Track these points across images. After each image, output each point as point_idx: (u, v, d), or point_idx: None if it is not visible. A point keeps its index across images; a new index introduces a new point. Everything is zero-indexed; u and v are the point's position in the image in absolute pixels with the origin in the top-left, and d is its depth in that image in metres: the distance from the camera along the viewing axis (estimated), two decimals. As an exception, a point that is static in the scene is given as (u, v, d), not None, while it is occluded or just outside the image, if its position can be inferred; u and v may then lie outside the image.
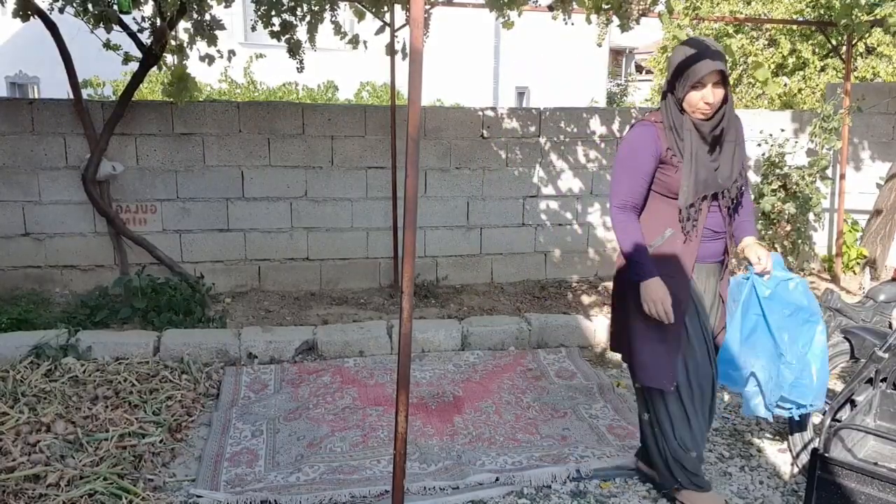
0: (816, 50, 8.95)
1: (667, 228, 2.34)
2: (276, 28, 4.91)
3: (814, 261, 6.13)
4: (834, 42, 5.64)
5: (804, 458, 2.77)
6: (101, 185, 4.70)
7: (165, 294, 4.38)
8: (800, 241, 5.45)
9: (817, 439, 2.23)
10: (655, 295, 2.28)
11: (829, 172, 5.70)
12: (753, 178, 5.86)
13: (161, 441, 2.96)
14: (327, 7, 4.87)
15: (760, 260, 2.38)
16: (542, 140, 5.47)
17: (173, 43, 4.71)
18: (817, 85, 9.49)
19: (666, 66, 2.33)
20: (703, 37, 2.46)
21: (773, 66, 9.75)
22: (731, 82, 10.30)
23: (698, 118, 2.29)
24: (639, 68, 23.14)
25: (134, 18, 4.60)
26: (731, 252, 2.49)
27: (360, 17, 5.07)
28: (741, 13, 9.56)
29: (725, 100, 2.29)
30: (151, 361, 3.72)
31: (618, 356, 4.18)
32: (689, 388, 2.41)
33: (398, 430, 2.21)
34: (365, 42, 5.02)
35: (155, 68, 4.89)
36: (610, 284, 5.50)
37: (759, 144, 5.74)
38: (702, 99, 2.23)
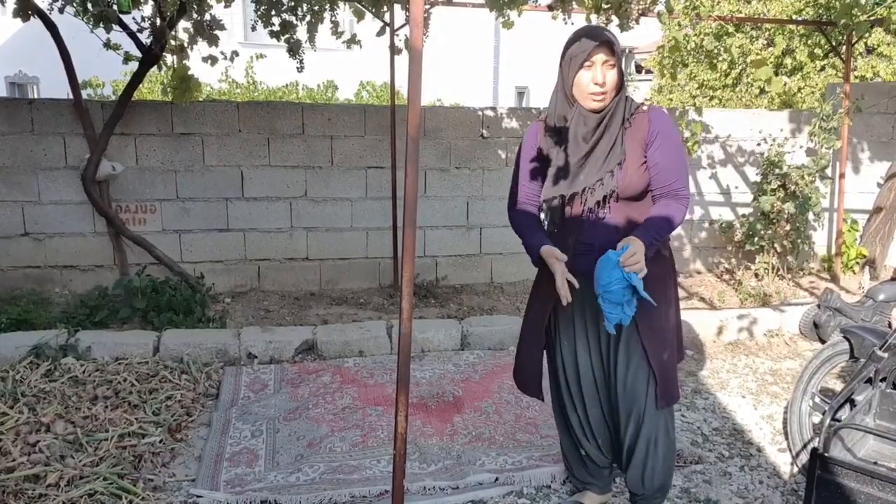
0: (815, 51, 8.94)
1: (548, 225, 2.26)
2: (276, 28, 4.91)
3: (813, 260, 6.13)
4: (833, 42, 5.64)
5: (804, 457, 2.78)
6: (100, 185, 4.70)
7: (165, 294, 4.38)
8: (799, 240, 5.46)
9: (817, 439, 2.23)
10: (549, 260, 2.10)
11: (828, 172, 5.70)
12: (753, 177, 5.87)
13: (161, 441, 2.96)
14: (327, 7, 4.87)
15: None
16: (542, 140, 5.46)
17: (173, 43, 4.71)
18: (817, 84, 9.49)
19: (560, 57, 2.12)
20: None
21: (771, 66, 9.74)
22: (731, 82, 10.31)
23: (590, 106, 2.07)
24: (638, 68, 23.11)
25: (134, 18, 4.60)
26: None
27: (360, 17, 5.07)
28: (741, 13, 9.56)
29: (619, 87, 2.09)
30: (151, 361, 3.72)
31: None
32: (559, 393, 2.37)
33: (398, 430, 2.21)
34: (360, 42, 5.02)
35: (155, 68, 4.89)
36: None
37: (759, 144, 5.74)
38: (592, 80, 2.03)
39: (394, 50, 5.03)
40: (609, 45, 2.02)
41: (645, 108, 2.14)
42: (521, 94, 17.08)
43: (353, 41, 5.07)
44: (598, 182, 2.10)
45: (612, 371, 2.20)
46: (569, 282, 2.07)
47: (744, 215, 5.76)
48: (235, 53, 4.92)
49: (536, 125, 2.25)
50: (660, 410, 2.18)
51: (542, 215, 2.25)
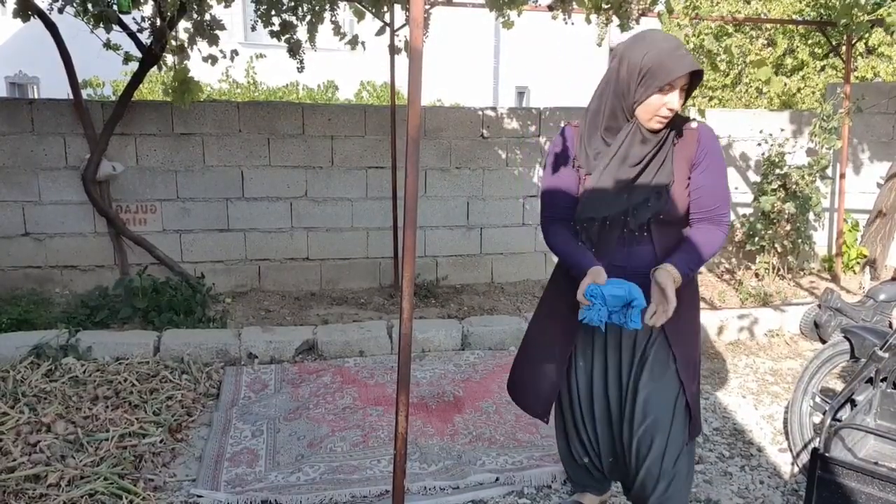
0: (816, 51, 8.94)
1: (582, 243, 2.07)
2: (276, 28, 4.91)
3: (814, 260, 6.13)
4: (834, 42, 5.64)
5: (804, 457, 2.78)
6: (101, 185, 4.70)
7: (166, 294, 4.38)
8: (800, 240, 5.46)
9: (817, 439, 2.23)
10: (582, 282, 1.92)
11: (828, 172, 5.71)
12: (753, 177, 5.87)
13: (161, 441, 2.96)
14: (327, 7, 4.87)
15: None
16: (542, 140, 5.47)
17: (173, 43, 4.71)
18: (817, 85, 9.49)
19: (618, 63, 1.91)
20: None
21: (772, 66, 9.74)
22: (730, 82, 10.31)
23: (653, 126, 1.91)
24: (639, 68, 23.13)
25: (134, 18, 4.60)
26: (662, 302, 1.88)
27: (360, 17, 5.07)
28: (740, 13, 9.56)
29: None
30: (152, 361, 3.72)
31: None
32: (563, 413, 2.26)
33: (398, 430, 2.21)
34: (363, 43, 5.02)
35: (155, 68, 4.89)
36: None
37: (759, 144, 5.74)
38: (665, 105, 1.86)
39: (394, 50, 5.03)
40: (693, 72, 1.86)
41: (694, 125, 2.00)
42: (521, 94, 17.08)
43: (355, 42, 5.07)
44: (643, 203, 1.95)
45: (632, 398, 2.06)
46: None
47: (744, 215, 5.76)
48: (235, 53, 4.92)
49: (570, 131, 2.06)
50: (684, 442, 2.07)
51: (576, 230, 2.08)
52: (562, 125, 2.12)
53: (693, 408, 2.06)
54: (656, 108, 1.87)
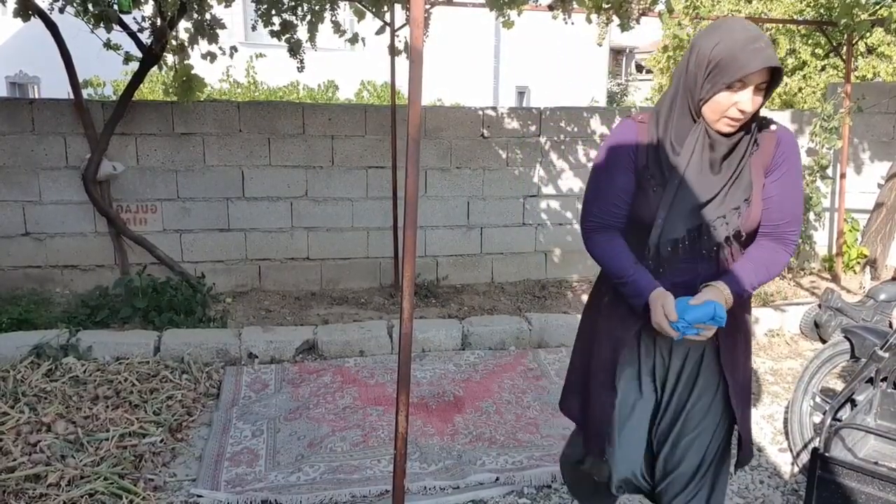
0: (816, 51, 8.93)
1: (643, 260, 1.80)
2: (277, 27, 4.91)
3: (814, 260, 6.13)
4: (834, 42, 5.64)
5: (804, 457, 2.78)
6: (101, 184, 4.70)
7: (166, 294, 4.38)
8: (800, 240, 5.46)
9: (817, 439, 2.23)
10: (656, 305, 1.71)
11: (829, 172, 5.70)
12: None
13: (161, 441, 2.97)
14: (327, 6, 4.87)
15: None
16: (543, 140, 5.47)
17: (174, 43, 4.71)
18: (817, 84, 9.49)
19: (690, 52, 1.68)
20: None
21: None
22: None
23: (721, 129, 1.66)
24: (639, 68, 23.15)
25: (134, 18, 4.60)
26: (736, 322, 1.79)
27: (360, 16, 5.07)
28: (741, 13, 9.56)
29: (756, 112, 1.68)
30: (152, 361, 3.72)
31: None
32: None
33: (398, 430, 2.21)
34: (363, 39, 5.02)
35: (155, 68, 4.89)
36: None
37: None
38: (736, 105, 1.60)
39: (394, 50, 5.03)
40: (774, 70, 1.61)
41: (774, 127, 1.76)
42: (521, 93, 17.08)
43: (355, 39, 5.07)
44: (720, 220, 1.71)
45: (674, 419, 1.88)
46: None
47: (744, 215, 5.75)
48: (234, 49, 4.91)
49: (634, 127, 1.79)
50: (725, 472, 1.92)
51: (646, 249, 1.78)
52: (622, 118, 1.92)
53: (745, 435, 1.88)
54: (725, 107, 1.62)
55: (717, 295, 1.70)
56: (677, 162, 1.70)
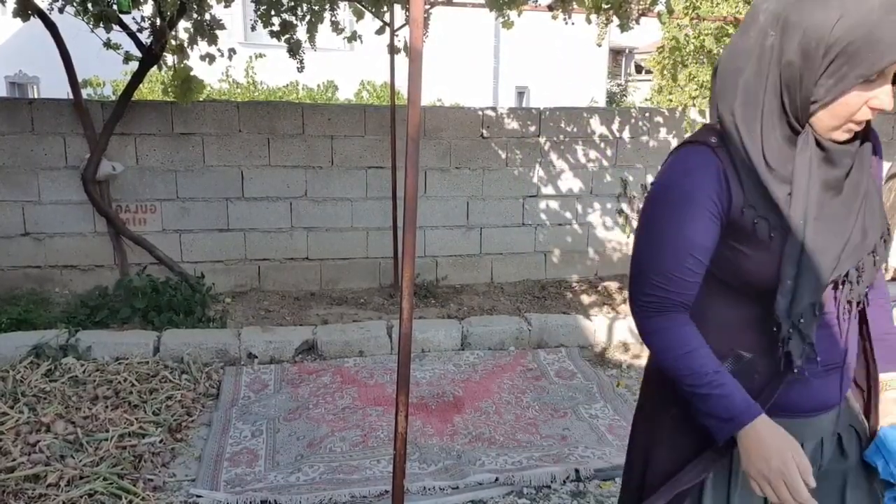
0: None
1: (735, 351, 1.26)
2: (276, 28, 4.91)
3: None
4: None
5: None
6: (100, 184, 4.70)
7: (165, 294, 4.38)
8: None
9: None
10: (772, 452, 1.16)
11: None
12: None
13: (161, 441, 2.97)
14: (327, 7, 4.87)
15: None
16: (542, 140, 5.47)
17: (173, 43, 4.71)
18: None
19: (783, 34, 1.06)
20: None
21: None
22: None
23: (838, 137, 1.16)
24: (638, 68, 23.14)
25: (134, 18, 4.60)
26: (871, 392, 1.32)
27: (360, 16, 5.07)
28: (741, 13, 9.56)
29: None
30: (151, 361, 3.72)
31: (618, 355, 4.20)
32: None
33: (398, 430, 2.21)
34: (360, 37, 5.02)
35: (155, 68, 4.89)
36: (610, 284, 5.54)
37: (759, 144, 5.74)
38: (869, 102, 1.12)
39: (393, 50, 5.03)
40: None
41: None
42: (520, 94, 17.08)
43: (353, 38, 5.07)
44: (869, 258, 1.23)
45: None
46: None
47: (744, 215, 5.76)
48: (233, 51, 4.92)
49: (710, 154, 1.20)
50: None
51: (775, 325, 1.21)
52: (687, 145, 1.26)
53: None
54: (853, 109, 1.12)
55: None
56: (792, 191, 1.16)
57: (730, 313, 1.27)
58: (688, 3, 9.42)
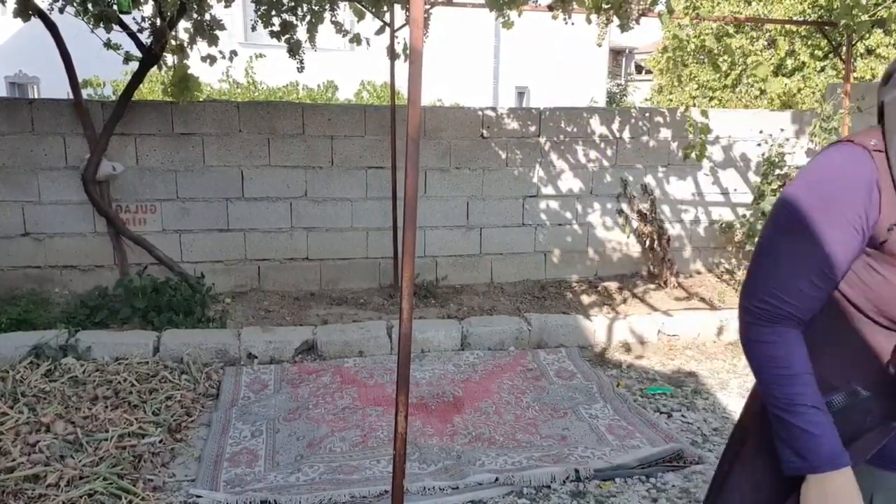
0: (815, 52, 8.93)
1: (852, 385, 1.13)
2: (276, 28, 4.91)
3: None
4: (834, 42, 5.64)
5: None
6: (100, 185, 4.70)
7: (165, 294, 4.38)
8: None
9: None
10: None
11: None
12: (754, 178, 5.87)
13: (161, 441, 2.96)
14: (327, 7, 4.87)
15: None
16: (542, 140, 5.47)
17: (173, 43, 4.71)
18: (817, 85, 9.49)
19: None
20: None
21: (772, 67, 9.76)
22: (731, 83, 10.32)
23: None
24: (638, 68, 23.14)
25: (134, 18, 4.60)
26: None
27: (360, 17, 5.07)
28: (741, 13, 9.56)
29: None
30: (151, 361, 3.72)
31: (618, 355, 4.20)
32: None
33: (398, 430, 2.21)
34: (367, 39, 5.02)
35: (155, 68, 4.89)
36: (610, 284, 5.54)
37: (759, 144, 5.74)
38: None
39: (393, 50, 5.03)
40: None
41: None
42: (520, 94, 17.07)
43: (358, 40, 5.07)
44: None
45: None
46: None
47: (744, 216, 5.76)
48: (234, 53, 4.92)
49: (867, 157, 1.10)
50: None
51: None
52: (841, 143, 1.17)
53: None
54: None
55: None
56: None
57: (855, 343, 1.12)
58: (688, 3, 9.40)
